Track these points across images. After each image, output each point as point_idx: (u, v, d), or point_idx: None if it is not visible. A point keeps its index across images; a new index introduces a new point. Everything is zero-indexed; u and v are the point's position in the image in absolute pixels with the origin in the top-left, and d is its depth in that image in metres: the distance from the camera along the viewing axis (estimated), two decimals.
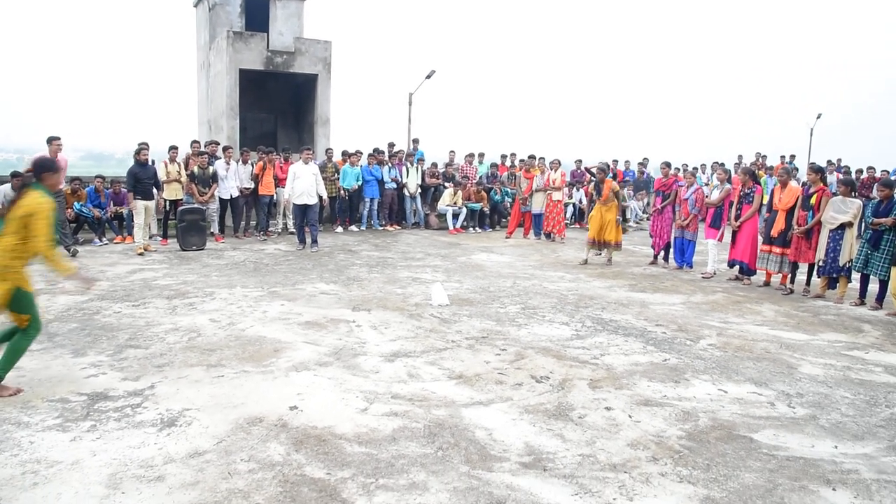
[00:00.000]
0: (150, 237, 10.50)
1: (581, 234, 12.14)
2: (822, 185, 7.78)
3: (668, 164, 10.03)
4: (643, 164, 17.58)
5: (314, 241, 10.30)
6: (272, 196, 11.91)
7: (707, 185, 12.17)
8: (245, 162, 11.55)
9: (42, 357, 4.66)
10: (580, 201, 15.45)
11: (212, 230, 11.00)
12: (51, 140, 9.18)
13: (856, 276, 7.53)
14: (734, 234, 8.55)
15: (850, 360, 5.25)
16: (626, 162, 17.88)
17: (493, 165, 16.03)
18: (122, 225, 11.03)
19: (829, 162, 16.18)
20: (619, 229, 9.76)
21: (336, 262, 9.14)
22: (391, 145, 14.39)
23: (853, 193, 7.70)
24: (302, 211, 10.21)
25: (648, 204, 15.92)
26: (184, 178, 10.55)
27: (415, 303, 6.76)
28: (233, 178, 11.25)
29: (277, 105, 16.33)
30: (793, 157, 17.79)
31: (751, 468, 3.33)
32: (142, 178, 9.64)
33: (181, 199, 10.47)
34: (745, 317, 6.64)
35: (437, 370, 4.68)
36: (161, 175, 10.20)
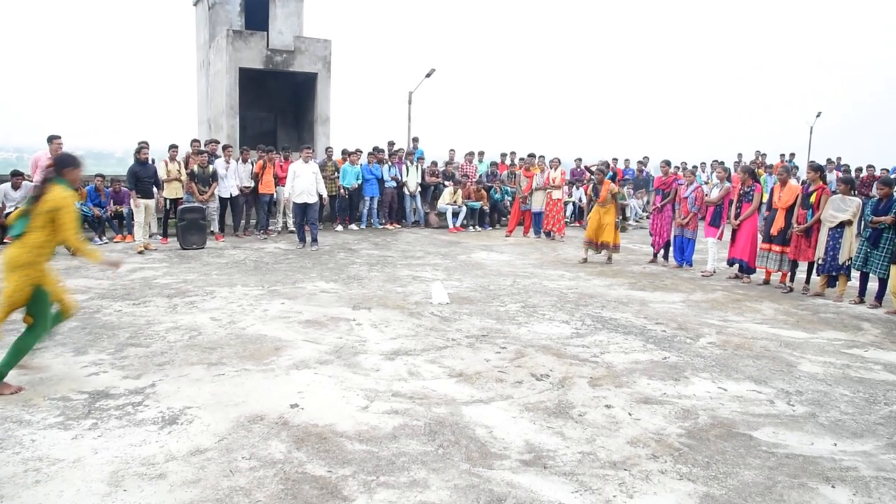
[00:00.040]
0: (151, 236, 10.51)
1: (581, 232, 12.14)
2: (821, 183, 7.79)
3: (667, 163, 10.04)
4: (643, 162, 17.59)
5: (314, 240, 10.31)
6: (272, 195, 11.92)
7: (707, 183, 12.19)
8: (245, 161, 11.56)
9: (43, 355, 4.66)
10: (580, 200, 15.46)
11: (212, 229, 11.00)
12: (51, 139, 9.19)
13: (855, 274, 7.54)
14: (734, 232, 8.56)
15: (849, 358, 5.26)
16: (626, 160, 17.89)
17: (493, 164, 16.03)
18: (122, 224, 11.03)
19: (828, 160, 16.18)
20: (618, 232, 9.75)
21: (336, 261, 9.15)
22: (391, 144, 14.40)
23: (853, 192, 7.72)
24: (302, 210, 10.22)
25: (648, 202, 15.93)
26: (184, 177, 10.55)
27: (415, 301, 6.77)
28: (232, 177, 11.26)
29: (277, 104, 16.34)
30: (792, 155, 17.80)
31: (750, 466, 3.34)
32: (142, 177, 9.64)
33: (181, 198, 10.47)
34: (745, 315, 6.65)
35: (438, 368, 4.69)
36: (161, 174, 10.20)
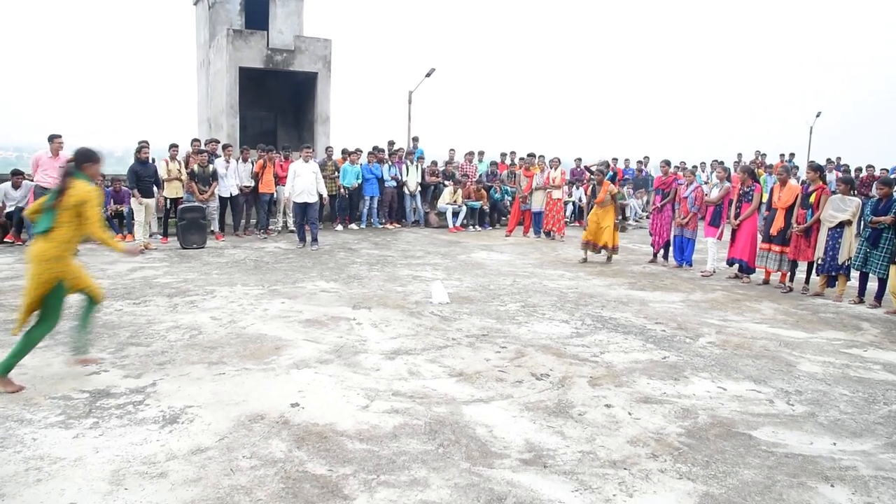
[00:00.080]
0: (151, 235, 10.53)
1: (581, 232, 12.14)
2: (821, 183, 7.79)
3: (667, 163, 10.04)
4: (642, 162, 17.60)
5: (314, 240, 10.32)
6: (272, 194, 11.93)
7: (706, 183, 12.20)
8: (245, 160, 11.57)
9: (44, 355, 4.67)
10: (580, 199, 15.48)
11: (212, 228, 11.01)
12: (52, 138, 9.20)
13: (855, 274, 7.55)
14: (733, 232, 8.57)
15: (848, 358, 5.27)
16: (626, 160, 17.90)
17: (493, 164, 16.04)
18: (123, 223, 11.05)
19: (828, 160, 16.20)
20: (616, 233, 9.75)
21: (336, 261, 9.16)
22: (391, 143, 14.41)
23: (852, 192, 7.73)
24: (302, 209, 10.22)
25: (648, 202, 15.94)
26: (184, 177, 10.56)
27: (415, 301, 6.78)
28: (232, 177, 11.27)
29: (277, 103, 16.35)
30: (792, 155, 17.81)
31: (750, 465, 3.35)
32: (142, 176, 9.65)
33: (181, 198, 10.48)
34: (745, 315, 6.66)
35: (438, 368, 4.70)
36: (162, 173, 10.21)
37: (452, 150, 15.80)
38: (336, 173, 12.66)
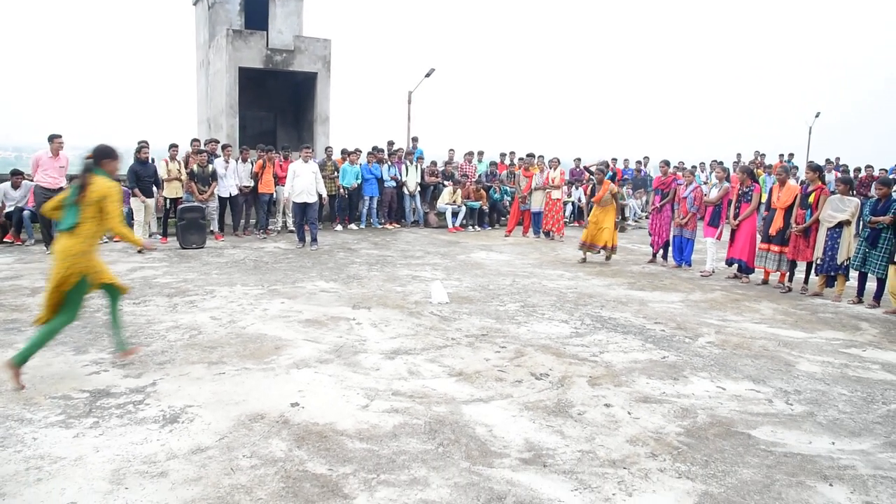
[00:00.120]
0: (150, 235, 10.53)
1: (580, 232, 12.16)
2: (820, 183, 7.81)
3: (666, 163, 10.06)
4: (641, 162, 17.61)
5: (314, 240, 10.32)
6: (272, 194, 11.93)
7: (706, 183, 12.22)
8: (244, 160, 11.57)
9: (44, 354, 4.66)
10: (579, 200, 15.49)
11: (211, 228, 11.02)
12: (52, 138, 9.20)
13: (854, 274, 7.56)
14: (733, 232, 8.58)
15: (847, 358, 5.28)
16: (626, 160, 17.92)
17: (493, 164, 16.06)
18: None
19: (827, 160, 16.22)
20: (616, 233, 9.76)
21: (336, 261, 9.17)
22: (390, 143, 14.41)
23: (851, 192, 7.74)
24: (301, 209, 10.23)
25: (647, 202, 15.95)
26: (184, 177, 10.56)
27: (414, 301, 6.79)
28: (232, 177, 11.27)
29: (277, 103, 16.35)
30: (791, 155, 17.84)
31: (749, 464, 3.36)
32: (142, 176, 9.66)
33: (181, 198, 10.48)
34: (744, 315, 6.67)
35: (438, 367, 4.71)
36: (162, 173, 10.22)
37: (452, 150, 15.81)
38: (335, 173, 12.66)
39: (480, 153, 16.20)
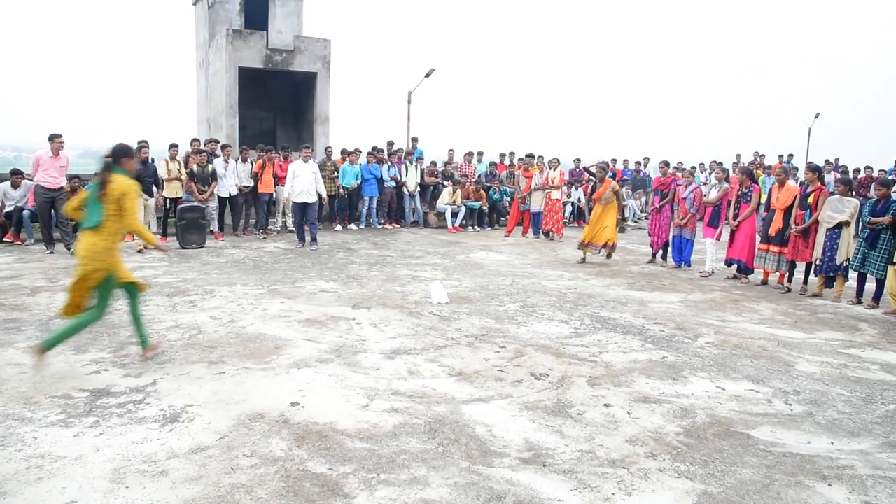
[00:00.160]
0: None
1: (580, 232, 12.18)
2: (819, 184, 7.82)
3: (666, 163, 10.06)
4: (641, 162, 17.62)
5: (313, 240, 10.33)
6: (271, 194, 11.94)
7: (705, 184, 12.22)
8: (244, 160, 11.57)
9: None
10: (579, 200, 15.50)
11: (211, 228, 11.02)
12: (52, 137, 9.19)
13: (853, 274, 7.57)
14: (732, 232, 8.59)
15: (846, 358, 5.29)
16: (625, 161, 17.93)
17: (492, 164, 16.06)
18: None
19: (826, 161, 16.24)
20: (615, 231, 9.76)
21: (335, 261, 9.17)
22: (390, 144, 14.42)
23: (850, 192, 7.75)
24: (301, 209, 10.23)
25: (647, 203, 15.96)
26: (184, 177, 10.56)
27: (414, 301, 6.79)
28: (231, 177, 11.27)
29: (277, 103, 16.36)
30: (791, 156, 17.85)
31: (748, 464, 3.36)
32: (142, 176, 9.63)
33: (181, 198, 10.49)
34: (743, 315, 6.68)
35: (437, 367, 4.71)
36: (162, 173, 10.22)
37: (451, 150, 15.81)
38: (335, 173, 12.67)
39: (480, 153, 16.21)
